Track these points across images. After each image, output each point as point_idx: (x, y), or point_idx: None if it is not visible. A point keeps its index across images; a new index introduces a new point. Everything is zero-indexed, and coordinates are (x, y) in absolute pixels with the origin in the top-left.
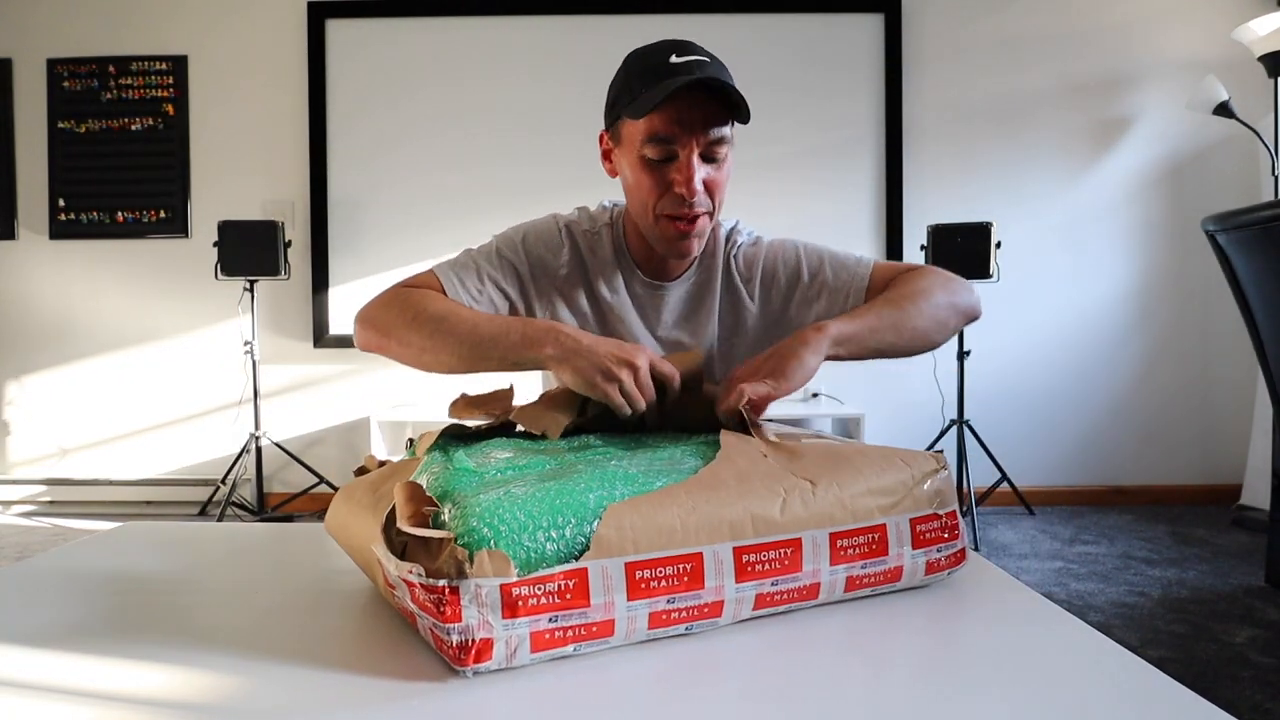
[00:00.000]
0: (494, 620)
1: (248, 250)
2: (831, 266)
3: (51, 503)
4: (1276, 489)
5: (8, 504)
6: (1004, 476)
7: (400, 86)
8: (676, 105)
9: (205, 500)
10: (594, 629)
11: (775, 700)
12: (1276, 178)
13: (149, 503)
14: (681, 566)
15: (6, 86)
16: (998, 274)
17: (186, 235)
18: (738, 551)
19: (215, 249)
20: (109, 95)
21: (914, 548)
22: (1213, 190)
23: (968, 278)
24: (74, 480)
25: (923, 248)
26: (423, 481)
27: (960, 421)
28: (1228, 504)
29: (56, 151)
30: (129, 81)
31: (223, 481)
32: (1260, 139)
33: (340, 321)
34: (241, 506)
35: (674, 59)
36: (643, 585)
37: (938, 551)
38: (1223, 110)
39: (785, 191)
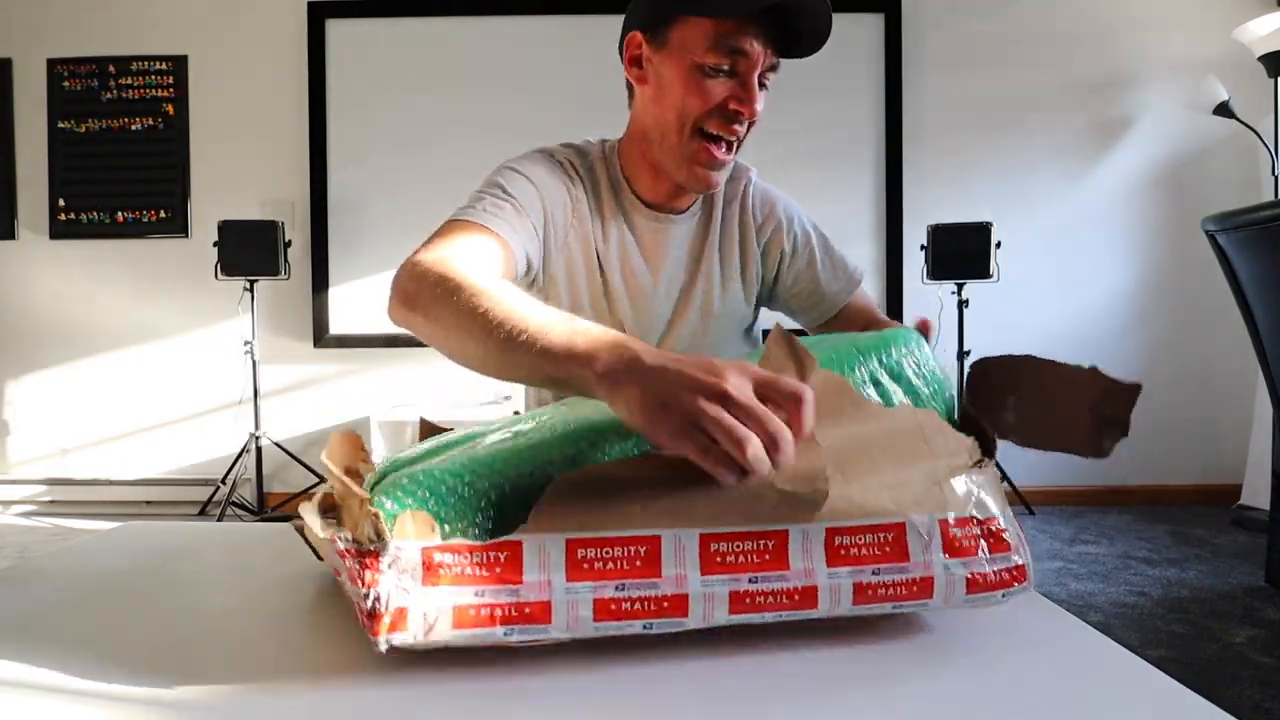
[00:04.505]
0: (412, 587)
1: (248, 250)
2: (828, 266)
3: (51, 503)
4: (1276, 489)
5: (8, 504)
6: (1004, 476)
7: (400, 86)
8: (771, 22)
9: (205, 500)
10: (526, 610)
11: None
12: (1276, 178)
13: (149, 503)
14: (634, 549)
15: (6, 86)
16: (998, 274)
17: (186, 235)
18: (704, 539)
19: (215, 249)
20: (109, 95)
21: (948, 555)
22: (1213, 190)
23: (967, 278)
24: (74, 480)
25: (923, 247)
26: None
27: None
28: (1228, 504)
29: (56, 151)
30: (129, 81)
31: (223, 481)
32: (1260, 139)
33: (340, 321)
34: (241, 506)
35: None
36: (585, 565)
37: (986, 564)
38: (1223, 110)
39: (785, 191)
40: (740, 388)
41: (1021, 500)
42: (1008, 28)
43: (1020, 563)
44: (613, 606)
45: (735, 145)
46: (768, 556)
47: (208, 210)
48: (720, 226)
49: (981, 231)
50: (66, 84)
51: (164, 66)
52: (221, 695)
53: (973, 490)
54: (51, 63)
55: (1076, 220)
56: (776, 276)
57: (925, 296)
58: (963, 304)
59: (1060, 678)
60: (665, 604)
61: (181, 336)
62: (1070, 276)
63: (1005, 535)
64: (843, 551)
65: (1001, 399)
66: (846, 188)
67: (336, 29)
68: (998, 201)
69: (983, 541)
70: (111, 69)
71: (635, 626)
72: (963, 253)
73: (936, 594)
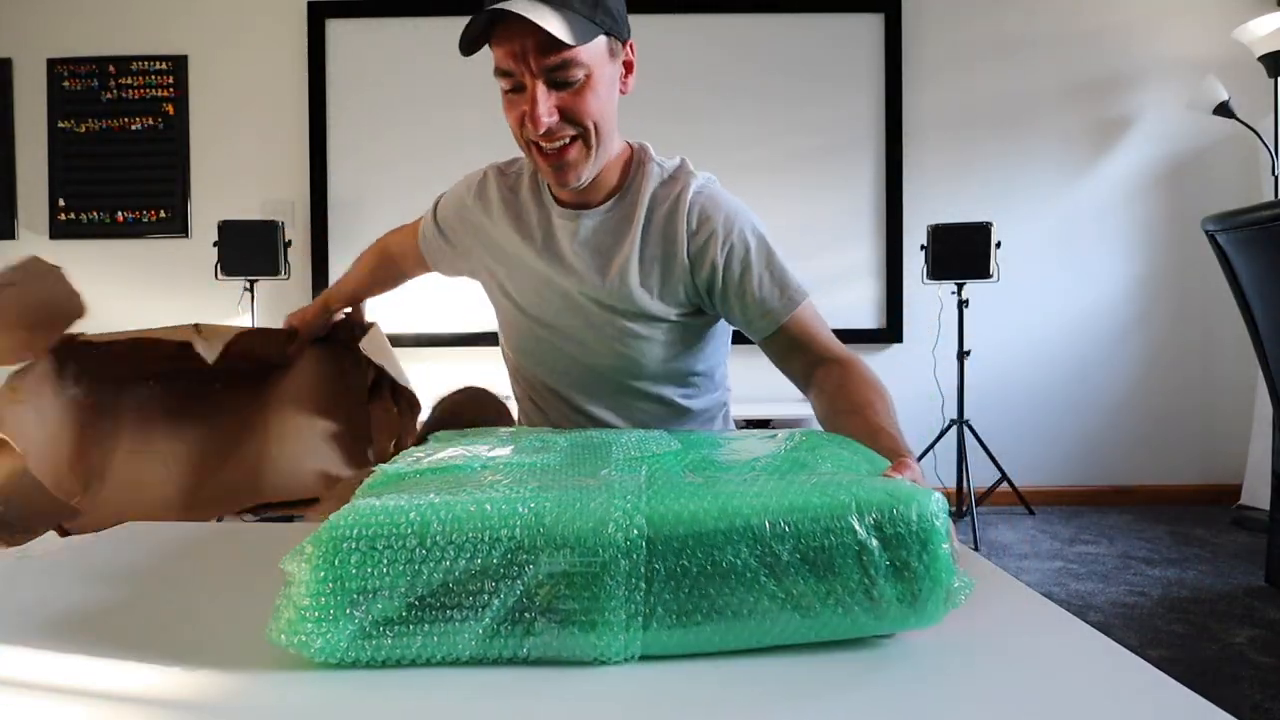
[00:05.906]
0: None
1: (248, 250)
2: (766, 280)
3: None
4: (1276, 489)
5: None
6: (1004, 476)
7: (400, 86)
8: (509, 36)
9: None
10: None
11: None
12: (1276, 178)
13: None
14: None
15: (6, 86)
16: (997, 274)
17: (186, 235)
18: None
19: (215, 249)
20: (109, 95)
21: None
22: (1213, 190)
23: (967, 278)
24: None
25: (923, 247)
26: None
27: (960, 421)
28: (1228, 504)
29: (56, 151)
30: (129, 81)
31: None
32: (1260, 139)
33: None
34: None
35: None
36: None
37: None
38: (1223, 110)
39: (785, 191)
40: None
41: (1021, 500)
42: (1008, 28)
43: None
44: None
45: (577, 140)
46: None
47: (208, 210)
48: (645, 223)
49: (981, 231)
50: (66, 84)
51: (164, 66)
52: (222, 695)
53: None
54: (51, 63)
55: (1076, 220)
56: (711, 286)
57: (925, 296)
58: (962, 304)
59: (1060, 678)
60: None
61: None
62: (1070, 276)
63: None
64: None
65: None
66: (846, 188)
67: (336, 29)
68: (998, 201)
69: None
70: (111, 69)
71: None
72: (963, 253)
73: None
